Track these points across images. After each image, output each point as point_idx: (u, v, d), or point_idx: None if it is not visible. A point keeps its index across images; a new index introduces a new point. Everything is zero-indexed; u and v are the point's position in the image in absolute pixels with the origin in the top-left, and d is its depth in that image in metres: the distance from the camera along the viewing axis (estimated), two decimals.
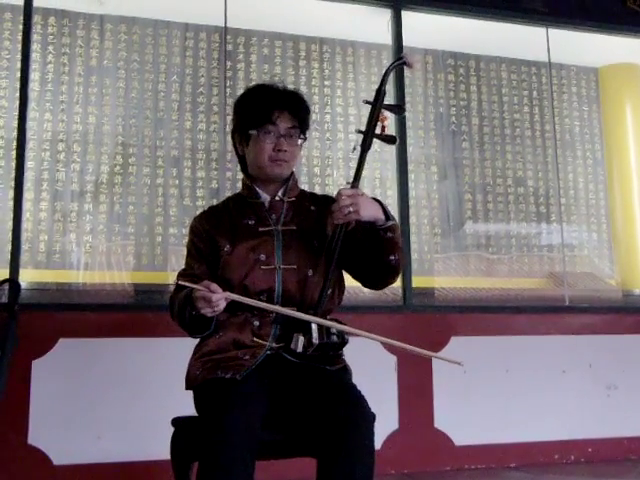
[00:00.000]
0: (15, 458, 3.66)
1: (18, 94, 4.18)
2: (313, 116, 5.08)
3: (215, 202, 4.41)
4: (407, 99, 4.99)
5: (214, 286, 2.05)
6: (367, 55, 5.36)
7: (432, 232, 5.34)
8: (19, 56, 4.27)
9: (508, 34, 5.33)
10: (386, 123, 2.28)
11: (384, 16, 4.88)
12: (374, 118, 2.26)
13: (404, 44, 4.79)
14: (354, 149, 2.27)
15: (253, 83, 4.88)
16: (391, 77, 2.40)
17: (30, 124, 4.41)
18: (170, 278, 4.49)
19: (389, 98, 4.69)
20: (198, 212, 2.53)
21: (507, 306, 4.90)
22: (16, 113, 4.17)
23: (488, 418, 4.39)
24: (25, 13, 4.27)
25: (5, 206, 4.35)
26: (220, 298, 2.05)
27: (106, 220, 4.62)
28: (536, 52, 5.52)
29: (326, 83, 5.24)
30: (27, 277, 4.29)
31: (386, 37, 4.89)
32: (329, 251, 2.24)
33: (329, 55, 5.29)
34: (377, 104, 2.27)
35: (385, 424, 4.12)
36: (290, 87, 2.44)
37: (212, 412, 1.98)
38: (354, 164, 2.28)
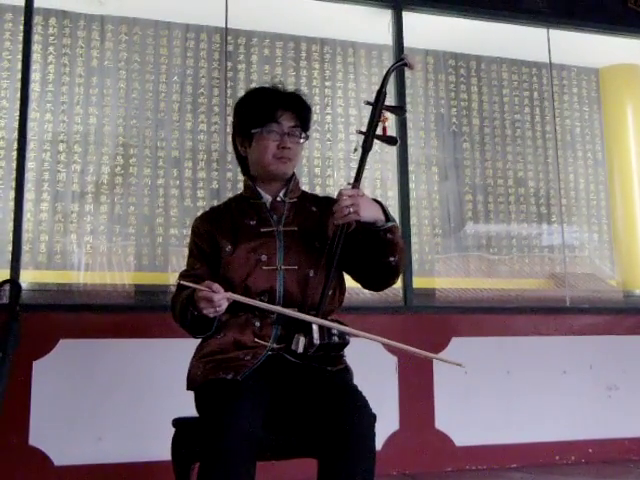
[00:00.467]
0: (16, 459, 3.66)
1: (19, 95, 4.18)
2: (314, 117, 5.07)
3: (216, 203, 4.44)
4: (408, 100, 4.99)
5: (216, 286, 2.05)
6: (368, 56, 5.36)
7: (433, 233, 5.33)
8: (20, 57, 4.27)
9: (509, 35, 5.33)
10: (387, 124, 2.29)
11: (385, 17, 4.88)
12: (375, 119, 2.26)
13: (405, 45, 4.79)
14: (355, 150, 2.28)
15: (254, 84, 4.93)
16: (392, 78, 2.40)
17: (31, 125, 4.41)
18: (171, 279, 4.50)
19: (390, 99, 4.72)
20: (199, 213, 2.54)
21: (508, 307, 4.90)
22: (17, 114, 4.17)
23: (489, 419, 4.39)
24: (26, 14, 4.27)
25: (6, 207, 4.36)
26: (222, 298, 2.05)
27: (107, 221, 4.62)
28: (537, 53, 5.51)
29: (327, 84, 5.24)
30: (28, 278, 4.29)
31: (387, 38, 4.89)
32: (330, 252, 2.24)
33: (330, 56, 5.29)
34: (378, 105, 2.27)
35: (386, 425, 4.12)
36: (291, 88, 2.46)
37: (213, 413, 1.98)
38: (355, 165, 2.29)
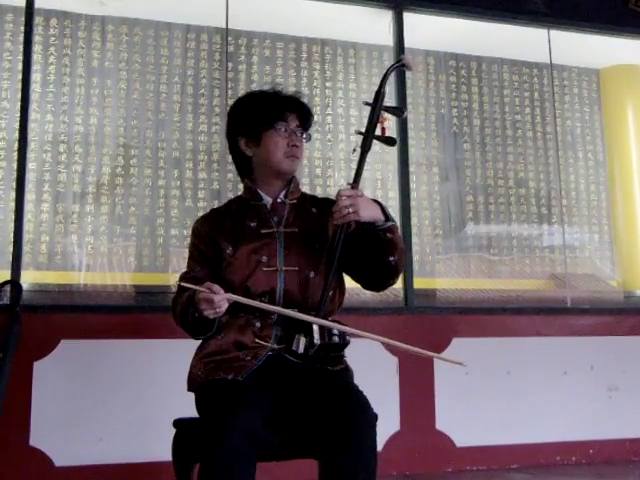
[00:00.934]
0: (16, 459, 3.66)
1: (20, 95, 4.19)
2: (315, 117, 5.07)
3: (217, 203, 4.45)
4: (409, 100, 4.99)
5: (216, 287, 2.06)
6: (368, 56, 5.36)
7: (433, 233, 5.33)
8: (20, 57, 4.28)
9: (509, 35, 5.33)
10: (386, 125, 2.29)
11: (385, 17, 4.88)
12: (374, 120, 2.27)
13: (405, 45, 4.79)
14: (354, 150, 2.29)
15: (254, 84, 4.93)
16: (393, 79, 2.41)
17: (32, 125, 4.42)
18: (171, 279, 4.50)
19: (391, 100, 4.73)
20: (200, 213, 2.54)
21: (508, 307, 4.89)
22: (18, 114, 4.17)
23: (489, 419, 4.39)
24: (27, 14, 4.27)
25: (7, 207, 4.36)
26: (222, 299, 2.06)
27: (107, 221, 4.62)
28: (537, 53, 5.51)
29: (327, 84, 5.25)
30: (29, 278, 4.30)
31: (387, 38, 4.89)
32: (330, 253, 2.24)
33: (330, 56, 5.29)
34: (376, 106, 2.28)
35: (387, 425, 4.12)
36: (291, 89, 2.48)
37: (214, 413, 1.99)
38: (355, 165, 2.29)
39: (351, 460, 1.97)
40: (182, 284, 2.18)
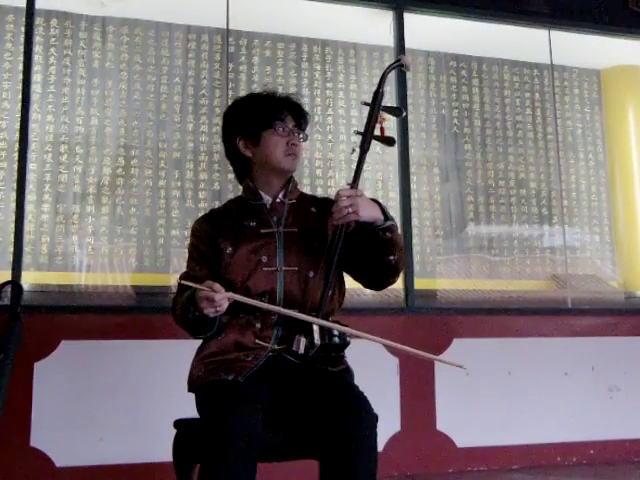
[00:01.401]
0: (17, 460, 3.66)
1: (20, 96, 4.19)
2: (315, 118, 5.09)
3: (217, 204, 4.44)
4: (409, 101, 4.99)
5: (217, 286, 2.06)
6: (369, 57, 5.36)
7: (434, 234, 5.33)
8: (21, 58, 4.28)
9: (510, 36, 5.33)
10: (385, 125, 2.29)
11: (386, 18, 4.88)
12: (372, 120, 2.27)
13: (406, 46, 4.80)
14: (353, 151, 2.28)
15: (255, 85, 4.93)
16: (393, 79, 2.41)
17: (32, 126, 4.41)
18: (172, 280, 4.50)
19: (391, 100, 4.73)
20: (200, 214, 2.54)
21: (509, 308, 4.89)
22: (18, 115, 4.18)
23: (490, 420, 4.39)
24: (27, 15, 4.28)
25: (7, 208, 4.35)
26: (223, 298, 2.06)
27: (108, 222, 4.62)
28: (538, 54, 5.51)
29: (328, 85, 5.24)
30: (29, 279, 4.30)
31: (388, 39, 4.89)
32: (330, 253, 2.24)
33: (331, 57, 5.29)
34: (375, 106, 2.28)
35: (387, 426, 4.12)
36: (291, 90, 2.49)
37: (214, 414, 1.99)
38: (355, 165, 2.29)
39: (352, 461, 1.96)
40: (182, 282, 2.18)
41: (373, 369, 3.71)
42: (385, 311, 4.47)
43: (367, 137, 2.26)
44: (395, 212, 4.52)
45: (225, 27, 4.84)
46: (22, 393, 3.68)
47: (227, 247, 2.30)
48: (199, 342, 2.35)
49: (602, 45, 5.54)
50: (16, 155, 4.14)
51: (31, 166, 4.41)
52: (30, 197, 4.38)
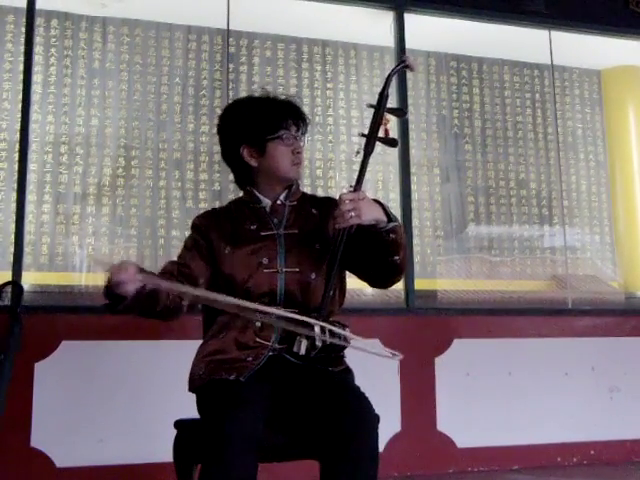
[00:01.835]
0: (18, 460, 3.66)
1: (21, 96, 4.19)
2: (316, 118, 5.09)
3: (218, 204, 4.43)
4: (410, 102, 4.99)
5: (130, 268, 2.07)
6: (369, 57, 5.36)
7: (435, 234, 5.33)
8: (22, 58, 4.28)
9: (511, 36, 5.33)
10: (388, 126, 2.29)
11: (386, 18, 4.88)
12: (377, 122, 2.26)
13: (406, 46, 4.79)
14: (357, 153, 2.27)
15: (255, 85, 4.93)
16: (394, 80, 2.40)
17: (33, 126, 4.42)
18: None
19: (392, 101, 4.69)
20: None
21: (510, 308, 4.90)
22: (19, 115, 4.18)
23: (490, 420, 4.39)
24: (28, 15, 4.28)
25: (8, 208, 4.36)
26: (126, 279, 2.06)
27: (108, 222, 4.62)
28: (538, 55, 5.51)
29: (328, 86, 5.25)
30: (30, 279, 4.30)
31: (388, 39, 4.89)
32: (331, 254, 2.24)
33: (331, 57, 5.29)
34: (380, 108, 2.27)
35: (387, 426, 4.11)
36: (291, 91, 2.48)
37: (215, 414, 1.98)
38: (356, 166, 2.29)
39: (352, 461, 1.96)
40: (93, 259, 2.22)
41: (373, 369, 3.70)
42: (385, 311, 4.47)
43: (371, 139, 2.26)
44: (395, 212, 4.49)
45: (226, 27, 4.84)
46: (22, 393, 3.67)
47: (225, 248, 2.30)
48: (200, 342, 2.35)
49: (602, 45, 5.54)
50: (16, 155, 4.14)
51: (31, 166, 4.41)
52: (30, 197, 4.38)
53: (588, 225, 5.78)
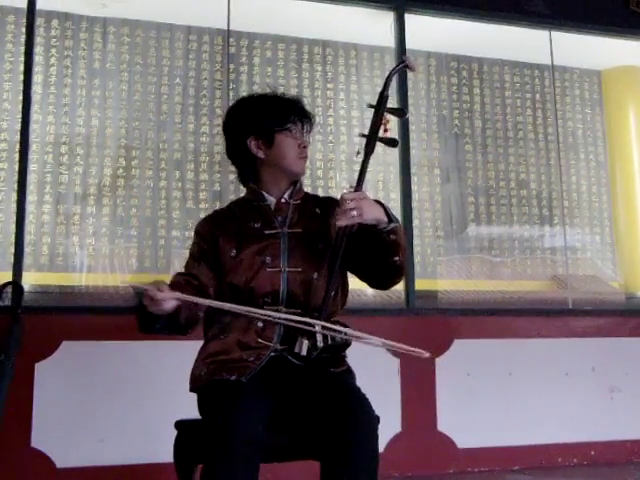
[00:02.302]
0: (18, 461, 3.66)
1: (21, 96, 4.19)
2: (316, 119, 5.08)
3: (218, 204, 4.44)
4: (410, 102, 4.99)
5: (164, 287, 2.11)
6: (370, 58, 5.37)
7: (435, 235, 5.34)
8: (22, 59, 4.28)
9: (511, 37, 5.33)
10: (389, 126, 2.29)
11: (387, 19, 4.88)
12: (377, 122, 2.27)
13: (407, 47, 4.79)
14: (358, 153, 2.28)
15: (256, 86, 4.93)
16: (394, 80, 2.40)
17: (33, 127, 4.41)
18: None
19: (392, 101, 4.69)
20: (201, 215, 2.55)
21: (510, 309, 4.90)
22: (19, 116, 4.18)
23: (491, 421, 4.38)
24: (28, 16, 4.27)
25: (8, 209, 4.36)
26: (165, 297, 2.08)
27: (109, 223, 4.62)
28: (539, 55, 5.51)
29: (329, 86, 5.25)
30: (30, 280, 4.30)
31: (389, 40, 4.89)
32: (333, 253, 2.24)
33: (332, 58, 5.29)
34: (380, 108, 2.28)
35: (388, 427, 4.11)
36: (293, 91, 2.49)
37: (216, 414, 1.99)
38: (357, 167, 2.29)
39: (352, 462, 1.96)
40: (130, 285, 2.21)
41: (374, 370, 3.71)
42: (386, 312, 4.47)
43: (372, 139, 2.26)
44: (396, 213, 4.50)
45: (226, 28, 4.84)
46: (23, 394, 3.67)
47: (231, 249, 2.30)
48: (200, 343, 2.35)
49: (603, 46, 5.54)
50: (17, 156, 4.14)
51: (32, 167, 4.41)
52: (31, 198, 4.38)
53: (588, 225, 5.78)
